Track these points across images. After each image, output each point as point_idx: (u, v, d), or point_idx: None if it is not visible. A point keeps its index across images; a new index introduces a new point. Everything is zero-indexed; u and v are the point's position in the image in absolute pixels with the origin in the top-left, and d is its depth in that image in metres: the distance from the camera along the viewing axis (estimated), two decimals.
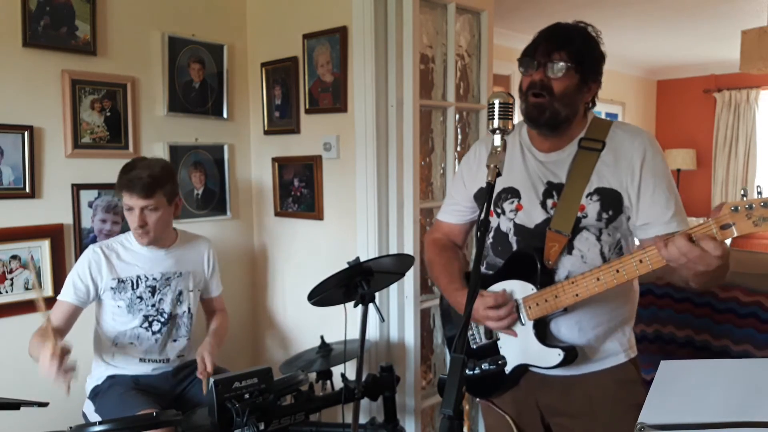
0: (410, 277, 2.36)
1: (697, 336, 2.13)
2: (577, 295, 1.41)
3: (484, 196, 1.29)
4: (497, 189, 1.57)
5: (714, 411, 0.92)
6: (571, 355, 1.47)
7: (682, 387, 0.95)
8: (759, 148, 6.97)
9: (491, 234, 1.64)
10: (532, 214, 1.54)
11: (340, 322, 1.99)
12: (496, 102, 1.29)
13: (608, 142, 1.50)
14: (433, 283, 2.54)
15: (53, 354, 1.64)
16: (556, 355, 1.47)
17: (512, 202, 1.57)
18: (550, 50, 1.45)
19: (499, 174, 1.25)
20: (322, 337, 2.32)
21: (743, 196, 1.17)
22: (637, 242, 1.57)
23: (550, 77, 1.45)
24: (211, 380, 1.62)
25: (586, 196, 1.47)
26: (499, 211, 1.60)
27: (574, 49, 1.44)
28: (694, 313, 2.13)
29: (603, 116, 1.60)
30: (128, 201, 1.99)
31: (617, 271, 1.36)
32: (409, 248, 2.41)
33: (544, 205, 1.52)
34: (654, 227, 1.47)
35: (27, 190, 2.25)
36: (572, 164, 1.51)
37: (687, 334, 2.15)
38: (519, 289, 1.52)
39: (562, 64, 1.44)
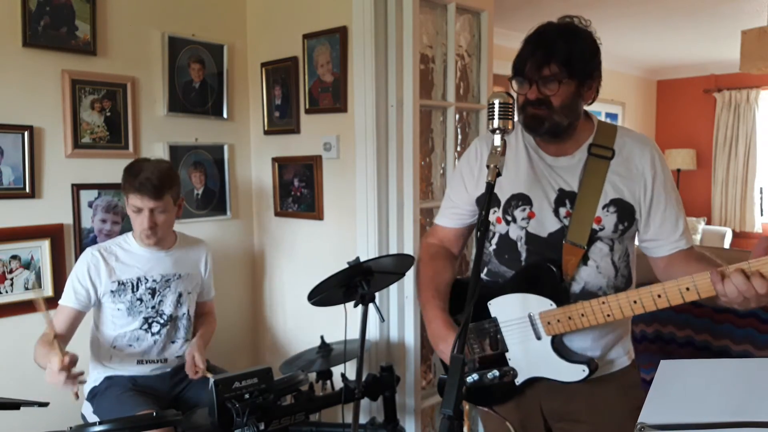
0: (410, 277, 2.35)
1: (697, 336, 2.13)
2: (608, 315, 1.38)
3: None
4: (506, 195, 1.53)
5: (714, 411, 0.92)
6: (594, 368, 1.46)
7: (682, 387, 0.95)
8: (759, 148, 6.97)
9: (494, 240, 1.58)
10: (544, 223, 1.49)
11: (340, 322, 1.99)
12: (496, 102, 1.28)
13: (617, 150, 1.47)
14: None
15: (62, 365, 1.61)
16: (581, 371, 1.45)
17: (524, 210, 1.51)
18: (540, 65, 1.37)
19: (499, 174, 1.24)
20: (322, 337, 2.32)
21: None
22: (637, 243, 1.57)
23: (546, 93, 1.39)
24: (211, 380, 1.61)
25: (602, 208, 1.45)
26: (509, 218, 1.54)
27: (562, 58, 1.36)
28: (694, 313, 2.13)
29: (603, 116, 1.59)
30: (137, 203, 1.98)
31: (659, 296, 1.32)
32: (409, 248, 2.40)
33: (557, 213, 1.48)
34: (664, 245, 1.47)
35: (27, 190, 2.25)
36: (583, 172, 1.47)
37: (687, 334, 2.15)
38: (533, 303, 1.47)
39: (553, 78, 1.37)
